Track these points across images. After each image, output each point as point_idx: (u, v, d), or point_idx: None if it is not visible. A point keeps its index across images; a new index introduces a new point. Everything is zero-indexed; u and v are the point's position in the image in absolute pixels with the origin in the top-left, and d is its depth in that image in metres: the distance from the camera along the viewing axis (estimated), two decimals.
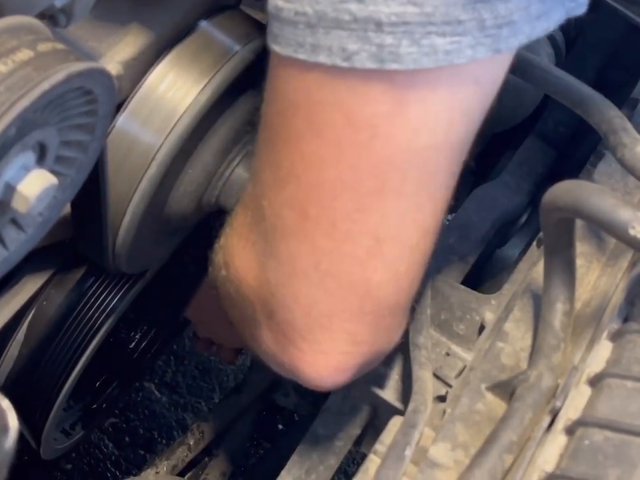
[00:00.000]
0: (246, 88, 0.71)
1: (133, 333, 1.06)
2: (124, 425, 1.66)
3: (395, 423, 0.60)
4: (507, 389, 0.57)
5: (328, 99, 0.51)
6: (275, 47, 0.51)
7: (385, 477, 0.51)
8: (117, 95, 0.50)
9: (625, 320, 0.58)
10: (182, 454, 1.09)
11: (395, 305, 0.59)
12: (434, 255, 0.79)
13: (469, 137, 0.54)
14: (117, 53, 0.62)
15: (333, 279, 0.56)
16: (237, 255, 0.61)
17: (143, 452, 1.64)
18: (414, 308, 0.72)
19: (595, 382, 0.55)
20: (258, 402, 1.17)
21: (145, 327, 1.07)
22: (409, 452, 0.53)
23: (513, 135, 1.02)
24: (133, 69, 0.64)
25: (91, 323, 0.82)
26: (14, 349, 0.83)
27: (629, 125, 0.60)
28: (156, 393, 1.71)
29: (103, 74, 0.47)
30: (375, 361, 0.62)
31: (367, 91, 0.50)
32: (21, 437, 0.88)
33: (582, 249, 0.68)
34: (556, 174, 0.96)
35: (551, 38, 0.86)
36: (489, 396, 0.58)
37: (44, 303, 0.81)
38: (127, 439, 1.65)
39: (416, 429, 0.56)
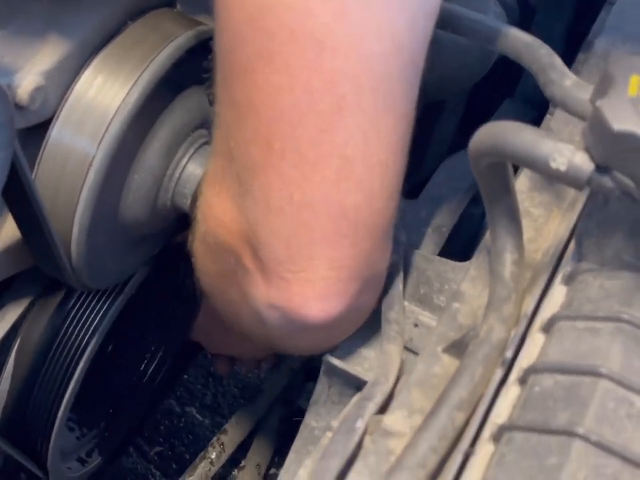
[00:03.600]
0: (182, 87, 0.71)
1: (139, 356, 1.06)
2: (169, 452, 1.65)
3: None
4: (461, 348, 0.55)
5: (270, 22, 0.52)
6: None
7: (334, 452, 0.49)
8: (11, 102, 0.50)
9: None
10: (204, 469, 1.09)
11: (372, 228, 0.59)
12: (406, 229, 0.78)
13: (418, 44, 0.56)
14: (35, 65, 0.62)
15: (308, 208, 0.56)
16: (213, 203, 0.63)
17: None
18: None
19: (548, 328, 0.52)
20: (280, 408, 1.16)
21: (152, 348, 1.06)
22: (360, 424, 0.51)
23: (496, 103, 1.00)
24: (57, 79, 0.63)
25: (76, 343, 0.82)
26: (5, 380, 0.83)
27: (557, 61, 0.57)
28: (198, 416, 1.70)
29: None
30: (360, 292, 0.61)
31: (305, 5, 0.51)
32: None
33: (541, 199, 0.66)
34: None
35: None
36: (446, 358, 0.56)
37: (28, 330, 0.81)
38: (173, 465, 1.64)
39: (371, 400, 0.54)
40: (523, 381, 0.50)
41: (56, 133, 0.65)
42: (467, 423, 0.49)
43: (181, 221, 0.81)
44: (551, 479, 0.43)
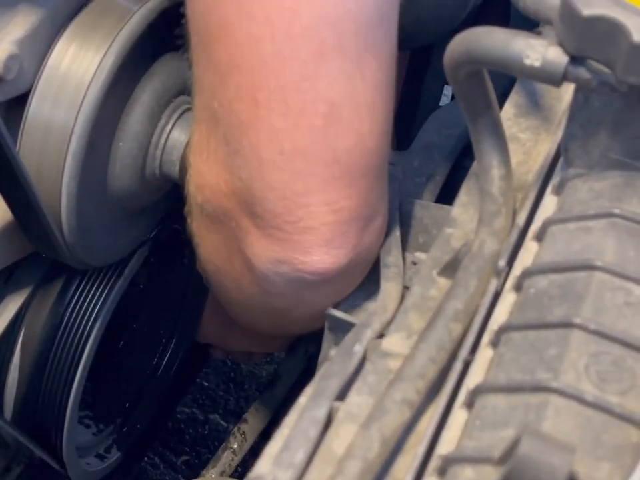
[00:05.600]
0: (159, 52, 0.70)
1: (151, 349, 1.05)
2: (196, 461, 1.64)
3: None
4: (455, 268, 0.54)
5: None
6: None
7: (332, 373, 0.48)
8: None
9: None
10: (227, 459, 1.07)
11: (366, 167, 0.59)
12: (399, 180, 0.77)
13: None
14: (7, 34, 0.62)
15: (299, 157, 0.56)
16: (204, 170, 0.63)
17: None
18: None
19: (540, 235, 0.51)
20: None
21: (163, 340, 1.06)
22: (358, 348, 0.50)
23: None
24: (30, 48, 0.63)
25: (80, 330, 0.81)
26: (13, 373, 0.82)
27: None
28: (222, 423, 1.69)
29: None
30: (363, 233, 0.61)
31: None
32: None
33: (528, 124, 0.65)
34: None
35: None
36: (441, 280, 0.55)
37: (32, 320, 0.81)
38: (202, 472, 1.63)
39: (369, 327, 0.53)
40: (518, 287, 0.49)
41: (35, 106, 0.65)
42: (464, 334, 0.48)
43: (175, 200, 0.81)
44: (551, 369, 0.42)
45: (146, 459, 1.53)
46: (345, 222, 0.59)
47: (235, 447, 1.09)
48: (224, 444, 1.10)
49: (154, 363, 1.05)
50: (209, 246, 0.71)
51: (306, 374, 1.16)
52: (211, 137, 0.61)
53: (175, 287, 1.01)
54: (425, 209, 0.74)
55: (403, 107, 0.85)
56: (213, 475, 1.07)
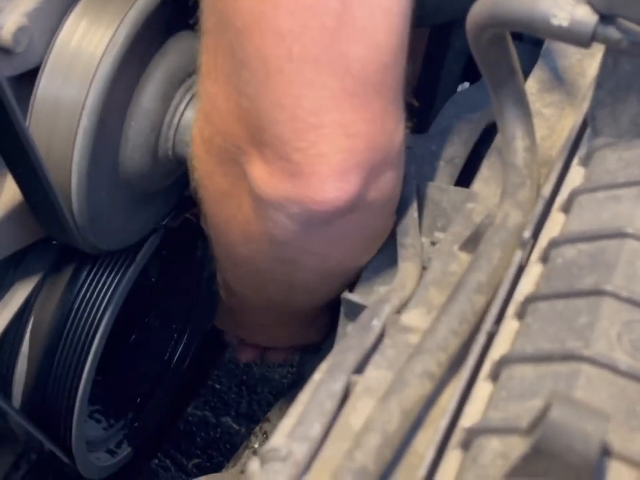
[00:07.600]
0: (173, 29, 0.69)
1: (163, 343, 1.03)
2: (207, 464, 1.62)
3: None
4: (477, 242, 0.51)
5: None
6: None
7: (349, 346, 0.46)
8: None
9: None
10: (247, 458, 1.05)
11: (381, 86, 0.55)
12: (417, 164, 0.75)
13: None
14: (17, 5, 0.60)
15: (309, 63, 0.53)
16: (213, 92, 0.60)
17: None
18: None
19: (567, 206, 0.49)
20: None
21: (175, 335, 1.04)
22: (376, 322, 0.48)
23: None
24: (40, 21, 0.62)
25: (90, 319, 0.79)
26: (22, 363, 0.81)
27: None
28: (234, 425, 1.67)
29: None
30: (377, 164, 0.57)
31: None
32: None
33: (552, 99, 0.63)
34: None
35: None
36: (462, 255, 0.53)
37: (41, 309, 0.79)
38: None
39: (387, 302, 0.51)
40: (544, 258, 0.47)
41: (45, 81, 0.63)
42: (487, 307, 0.46)
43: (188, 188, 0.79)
44: (582, 338, 0.40)
45: (157, 461, 1.51)
46: (361, 150, 0.55)
47: (256, 446, 1.06)
48: (245, 442, 1.08)
49: (166, 357, 1.03)
50: (216, 192, 0.67)
51: None
52: (218, 50, 0.58)
53: (188, 281, 0.99)
54: (443, 193, 0.72)
55: (421, 90, 0.83)
56: None
